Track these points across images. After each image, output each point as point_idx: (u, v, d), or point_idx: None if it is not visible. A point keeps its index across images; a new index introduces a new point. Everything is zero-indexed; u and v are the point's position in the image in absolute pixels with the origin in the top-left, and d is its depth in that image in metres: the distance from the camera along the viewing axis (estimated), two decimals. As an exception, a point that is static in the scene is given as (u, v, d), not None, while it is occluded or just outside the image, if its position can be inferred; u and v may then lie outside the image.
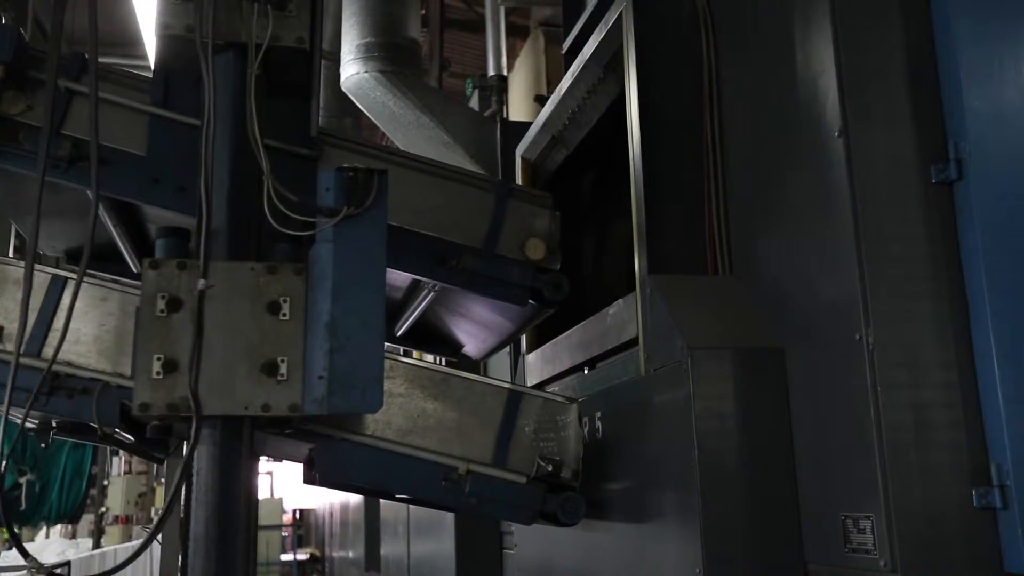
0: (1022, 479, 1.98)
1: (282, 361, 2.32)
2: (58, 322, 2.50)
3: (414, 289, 3.40)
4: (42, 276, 2.54)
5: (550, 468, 2.77)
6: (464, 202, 2.92)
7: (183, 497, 2.28)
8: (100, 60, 2.54)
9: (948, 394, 2.08)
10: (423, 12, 8.47)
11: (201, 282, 2.27)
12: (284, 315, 2.35)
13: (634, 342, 2.85)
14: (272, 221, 2.34)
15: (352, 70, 5.72)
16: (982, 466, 2.04)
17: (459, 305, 3.47)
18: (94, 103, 2.43)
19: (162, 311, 2.29)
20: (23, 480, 12.10)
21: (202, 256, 2.29)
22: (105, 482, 17.85)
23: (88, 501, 14.68)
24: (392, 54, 5.69)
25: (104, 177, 2.53)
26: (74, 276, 2.47)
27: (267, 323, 2.34)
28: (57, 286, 2.54)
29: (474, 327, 3.69)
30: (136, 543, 13.40)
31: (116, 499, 17.17)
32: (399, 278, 3.10)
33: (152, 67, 2.71)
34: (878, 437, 2.04)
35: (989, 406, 2.06)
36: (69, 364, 2.49)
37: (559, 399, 2.88)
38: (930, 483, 2.03)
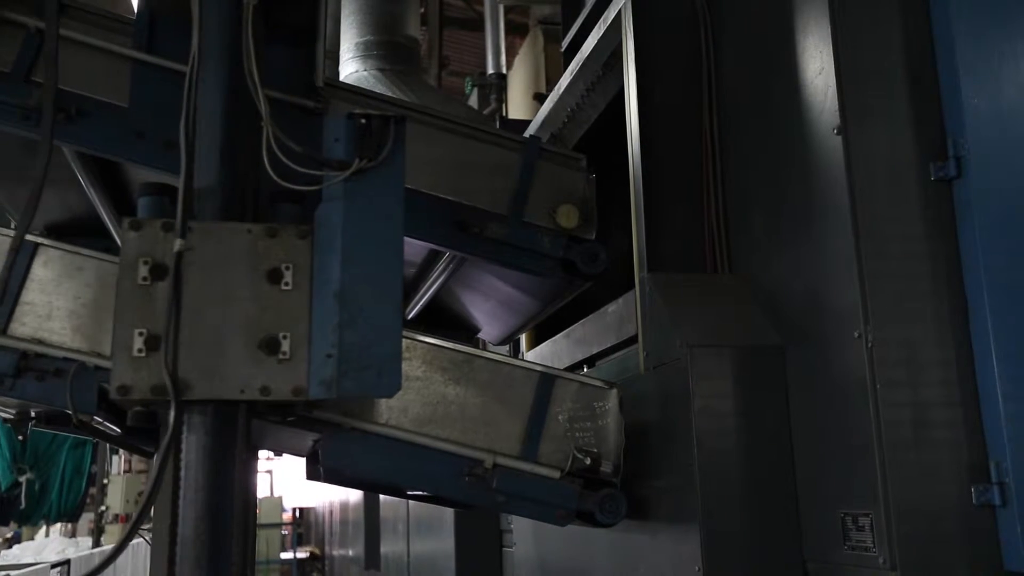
0: (1021, 476, 1.98)
1: (284, 337, 2.01)
2: (27, 295, 2.19)
3: (428, 264, 3.09)
4: (7, 241, 2.22)
5: (587, 461, 2.47)
6: (488, 163, 2.61)
7: (171, 494, 1.96)
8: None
9: (947, 392, 2.08)
10: (422, 10, 8.38)
11: (178, 242, 1.94)
12: (286, 284, 2.03)
13: (634, 340, 2.83)
14: (273, 175, 2.02)
15: (351, 68, 5.73)
16: (981, 464, 2.05)
17: (477, 282, 3.16)
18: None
19: (145, 279, 1.97)
20: (23, 479, 12.03)
21: (180, 211, 1.96)
22: (105, 480, 17.72)
23: (88, 500, 14.56)
24: (391, 52, 5.73)
25: (80, 131, 2.21)
26: (44, 242, 2.16)
27: (267, 293, 2.02)
28: (26, 253, 2.22)
29: (493, 307, 3.39)
30: (135, 542, 13.18)
31: (116, 498, 17.02)
32: (411, 250, 2.78)
33: (136, 6, 2.39)
34: (877, 435, 2.04)
35: (988, 404, 2.06)
36: (40, 342, 2.17)
37: (597, 383, 2.56)
38: (929, 481, 2.04)
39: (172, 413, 1.87)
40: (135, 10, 2.47)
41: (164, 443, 1.85)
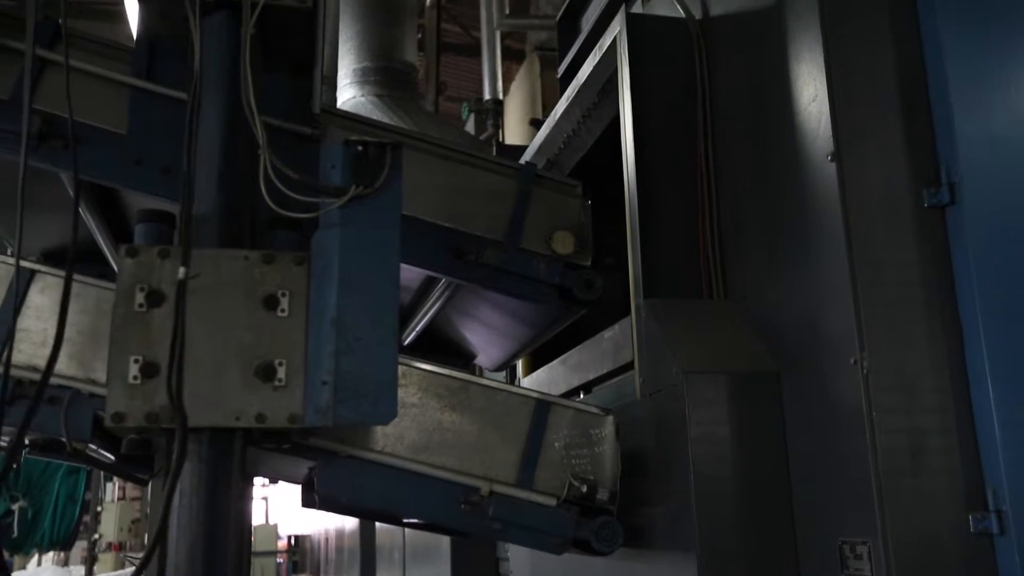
0: (1019, 504, 1.96)
1: (280, 364, 2.00)
2: (23, 321, 2.19)
3: (424, 290, 3.09)
4: (4, 269, 2.22)
5: (584, 489, 2.45)
6: (484, 189, 2.62)
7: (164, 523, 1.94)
8: (77, 27, 2.24)
9: (943, 419, 2.08)
10: (419, 36, 8.42)
11: (181, 270, 1.94)
12: (282, 311, 2.04)
13: (630, 366, 2.82)
14: (269, 202, 2.02)
15: (349, 94, 5.76)
16: (978, 491, 2.03)
17: (473, 308, 3.16)
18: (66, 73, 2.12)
19: (141, 305, 1.97)
20: (15, 507, 11.89)
21: (184, 239, 1.96)
22: (99, 508, 17.55)
23: (81, 528, 14.39)
24: (389, 78, 5.76)
25: (78, 158, 2.22)
26: (41, 269, 2.16)
27: (263, 320, 2.02)
28: (22, 280, 2.22)
29: (489, 334, 3.39)
30: (127, 571, 13.08)
31: (109, 525, 16.84)
32: (408, 276, 2.78)
33: (135, 34, 2.41)
34: (874, 462, 2.03)
35: (984, 431, 2.05)
36: (35, 369, 2.16)
37: (593, 410, 2.56)
38: (926, 508, 2.02)
39: (177, 440, 1.86)
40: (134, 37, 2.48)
41: (171, 470, 1.84)
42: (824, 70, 2.25)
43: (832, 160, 2.21)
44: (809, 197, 2.30)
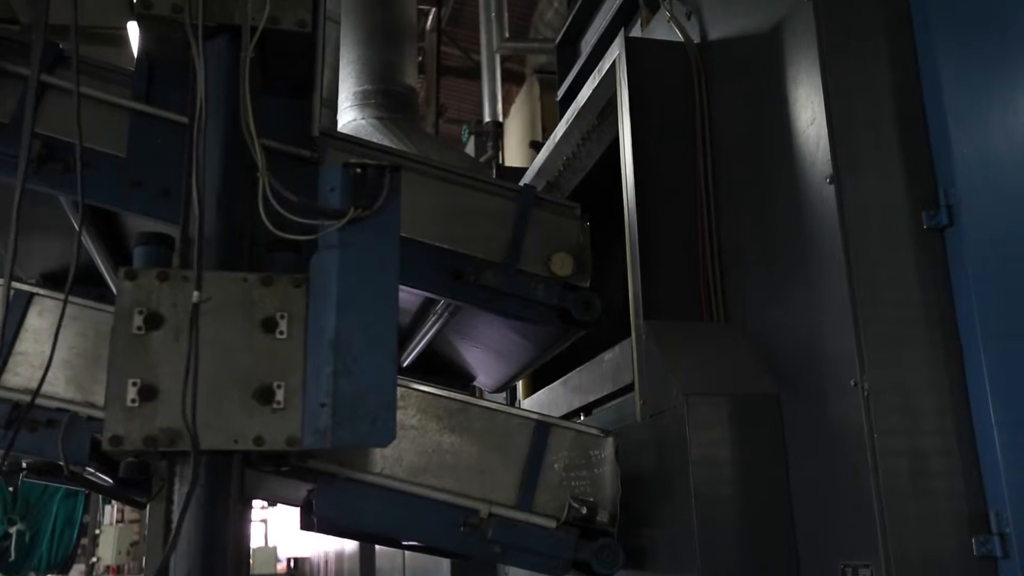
0: (1022, 526, 1.94)
1: (279, 386, 2.00)
2: (21, 344, 2.18)
3: (423, 312, 3.09)
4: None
5: (583, 511, 2.44)
6: (483, 211, 2.62)
7: (165, 545, 1.93)
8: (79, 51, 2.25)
9: (944, 441, 2.07)
10: (420, 59, 8.47)
11: (196, 294, 1.94)
12: (281, 333, 2.03)
13: (630, 388, 2.81)
14: (268, 225, 2.02)
15: (349, 116, 5.76)
16: (981, 514, 2.02)
17: (472, 329, 3.15)
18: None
19: (139, 328, 1.97)
20: (13, 530, 11.81)
21: (196, 264, 1.96)
22: (97, 531, 17.45)
23: (79, 551, 14.29)
24: (389, 101, 5.75)
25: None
26: (39, 292, 2.16)
27: (261, 342, 2.02)
28: (20, 303, 2.22)
29: (488, 355, 3.38)
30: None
31: (108, 548, 16.72)
32: (406, 299, 2.78)
33: (135, 57, 2.42)
34: (875, 484, 2.02)
35: (986, 453, 2.04)
36: (32, 393, 2.15)
37: (593, 431, 2.55)
38: (929, 531, 2.01)
39: (191, 464, 1.85)
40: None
41: (184, 496, 1.83)
42: (822, 93, 2.26)
43: (831, 182, 2.21)
44: (808, 219, 2.30)
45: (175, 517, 1.91)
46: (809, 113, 2.32)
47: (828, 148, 2.23)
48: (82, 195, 2.09)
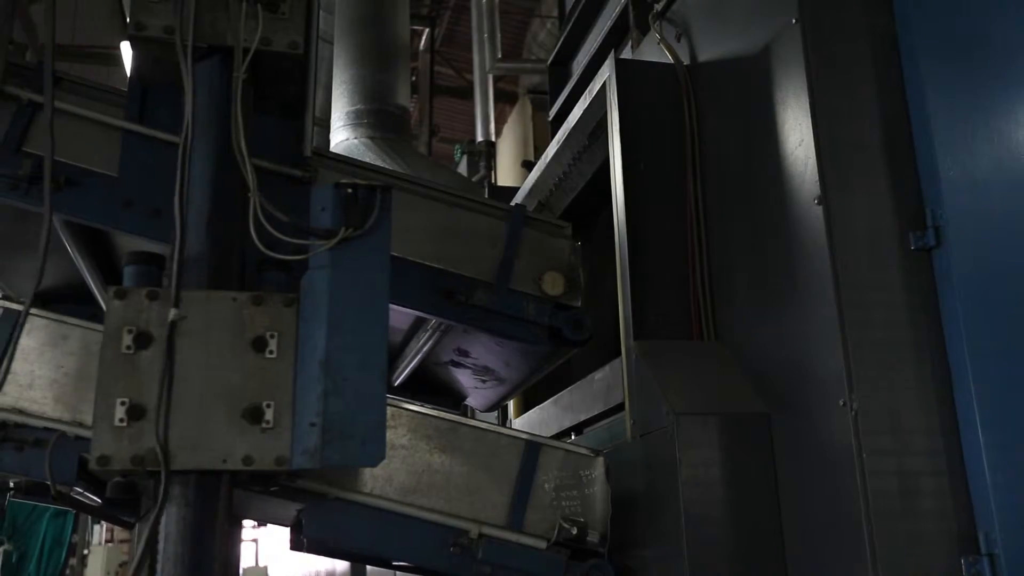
0: (1011, 548, 1.95)
1: (268, 406, 1.99)
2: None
3: (414, 331, 3.09)
4: (-5, 309, 2.22)
5: (574, 531, 2.44)
6: (474, 231, 2.62)
7: (149, 567, 1.92)
8: (71, 71, 2.25)
9: (933, 461, 2.08)
10: (413, 79, 8.50)
11: (173, 312, 1.94)
12: (271, 352, 2.03)
13: (621, 407, 2.82)
14: (259, 244, 2.03)
15: (342, 136, 5.78)
16: (970, 534, 2.03)
17: (464, 348, 3.15)
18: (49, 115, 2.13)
19: (128, 347, 1.96)
20: (1, 550, 11.72)
21: (174, 280, 1.97)
22: (85, 551, 17.31)
23: (68, 571, 14.17)
24: (381, 121, 5.78)
25: (69, 200, 2.23)
26: (31, 311, 2.15)
27: (251, 361, 2.01)
28: (9, 322, 2.21)
29: (479, 375, 3.37)
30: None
31: (96, 568, 16.58)
32: (397, 318, 2.78)
33: (128, 77, 2.43)
34: (864, 504, 2.03)
35: (974, 473, 2.05)
36: (20, 412, 2.15)
37: (583, 451, 2.55)
38: (918, 552, 2.02)
39: (161, 483, 1.84)
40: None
41: (153, 515, 1.82)
42: (810, 115, 2.28)
43: (819, 204, 2.23)
44: (797, 240, 2.32)
45: (161, 538, 1.90)
46: (797, 135, 2.34)
47: (816, 169, 2.24)
48: (49, 211, 2.07)
